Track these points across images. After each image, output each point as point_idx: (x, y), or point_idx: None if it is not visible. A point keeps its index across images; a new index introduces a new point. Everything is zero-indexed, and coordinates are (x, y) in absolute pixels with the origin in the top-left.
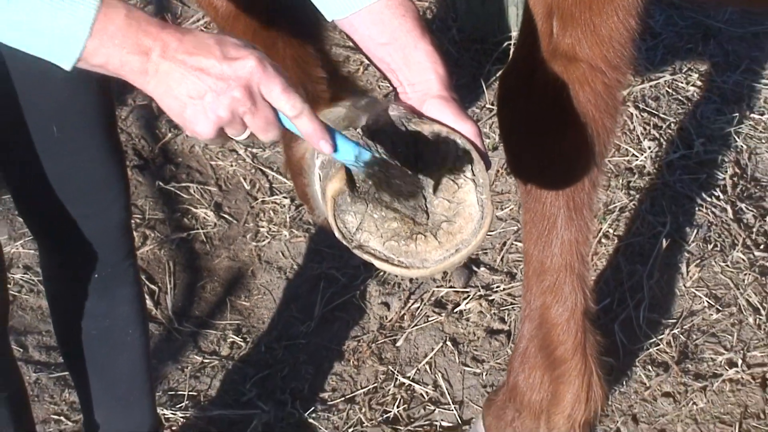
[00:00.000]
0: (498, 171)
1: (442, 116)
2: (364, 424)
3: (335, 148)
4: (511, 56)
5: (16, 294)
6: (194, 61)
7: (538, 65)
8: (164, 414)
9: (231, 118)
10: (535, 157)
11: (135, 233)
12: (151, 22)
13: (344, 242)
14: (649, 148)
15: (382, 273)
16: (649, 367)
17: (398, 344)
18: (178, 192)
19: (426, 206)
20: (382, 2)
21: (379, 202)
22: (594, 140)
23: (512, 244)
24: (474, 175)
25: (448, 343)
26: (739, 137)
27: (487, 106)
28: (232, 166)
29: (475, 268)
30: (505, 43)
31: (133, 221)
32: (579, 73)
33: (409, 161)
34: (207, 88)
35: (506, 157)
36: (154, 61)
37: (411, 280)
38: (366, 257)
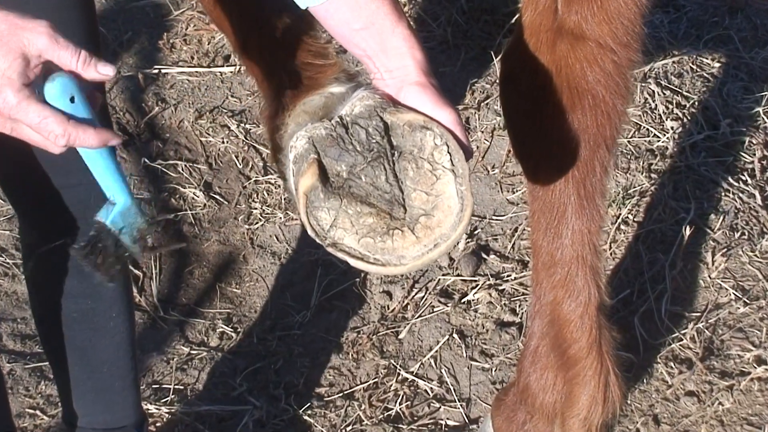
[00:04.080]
0: (509, 151)
1: (419, 103)
2: (364, 422)
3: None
4: (513, 35)
5: None
6: None
7: (542, 44)
8: (148, 409)
9: None
10: (541, 142)
11: None
12: None
13: (318, 240)
14: (672, 128)
15: None
16: (672, 364)
17: (401, 336)
18: (165, 170)
19: (403, 199)
20: None
21: (353, 197)
22: (604, 123)
23: (524, 229)
24: (453, 165)
25: (455, 335)
26: None
27: (498, 81)
28: (223, 143)
29: (484, 256)
30: (518, 14)
31: None
32: (586, 52)
33: (385, 152)
34: None
35: (510, 142)
36: None
37: None
38: (340, 255)
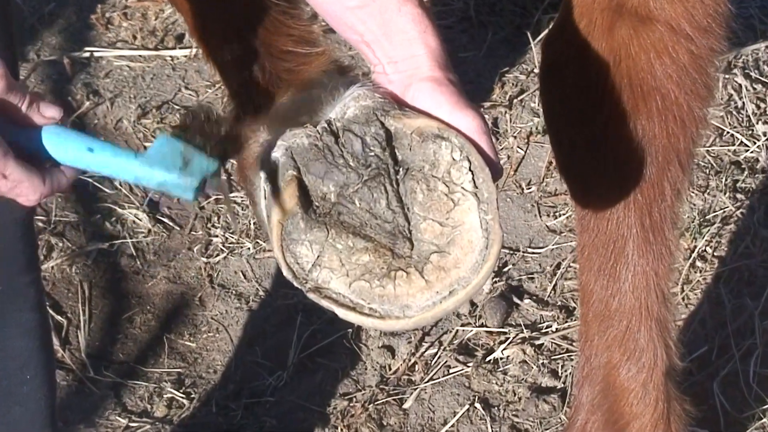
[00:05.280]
0: (550, 163)
1: (433, 105)
2: None
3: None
4: (558, 13)
5: None
6: None
7: (596, 27)
8: None
9: None
10: (594, 155)
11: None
12: None
13: (296, 283)
14: (764, 134)
15: None
16: None
17: (406, 406)
18: (98, 185)
19: (409, 231)
20: None
21: (344, 228)
22: (677, 132)
23: (569, 266)
24: (476, 187)
25: (477, 405)
26: None
27: (536, 71)
28: None
29: (516, 300)
30: None
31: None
32: (654, 39)
33: (386, 169)
34: None
35: (553, 151)
36: None
37: None
38: (325, 304)
